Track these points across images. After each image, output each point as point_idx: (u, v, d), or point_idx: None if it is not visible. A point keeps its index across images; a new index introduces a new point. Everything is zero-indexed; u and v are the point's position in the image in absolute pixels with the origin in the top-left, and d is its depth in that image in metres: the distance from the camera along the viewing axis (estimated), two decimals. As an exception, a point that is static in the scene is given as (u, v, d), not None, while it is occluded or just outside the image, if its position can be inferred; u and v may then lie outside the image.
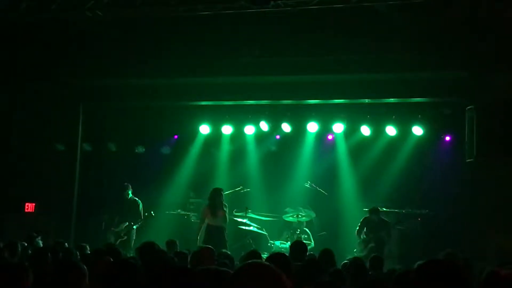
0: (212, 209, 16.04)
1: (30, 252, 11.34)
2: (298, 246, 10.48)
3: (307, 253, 10.70)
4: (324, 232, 17.84)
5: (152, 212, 17.08)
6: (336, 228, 18.11)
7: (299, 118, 18.66)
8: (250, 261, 4.11)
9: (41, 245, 13.21)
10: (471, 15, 14.68)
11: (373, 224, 16.25)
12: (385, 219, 16.58)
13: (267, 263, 4.05)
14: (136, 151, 19.59)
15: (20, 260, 10.93)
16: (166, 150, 19.53)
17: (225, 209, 16.09)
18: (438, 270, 4.59)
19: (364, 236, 16.17)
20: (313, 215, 17.70)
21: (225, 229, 16.12)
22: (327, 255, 10.36)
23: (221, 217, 15.98)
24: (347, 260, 11.17)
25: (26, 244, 12.36)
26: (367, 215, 16.44)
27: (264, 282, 3.91)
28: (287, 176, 19.14)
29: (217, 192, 16.26)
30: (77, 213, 18.55)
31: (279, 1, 13.60)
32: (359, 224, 16.44)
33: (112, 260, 8.03)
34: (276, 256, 7.38)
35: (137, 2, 14.46)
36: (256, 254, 9.36)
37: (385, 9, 14.62)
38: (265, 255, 11.63)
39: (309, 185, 18.17)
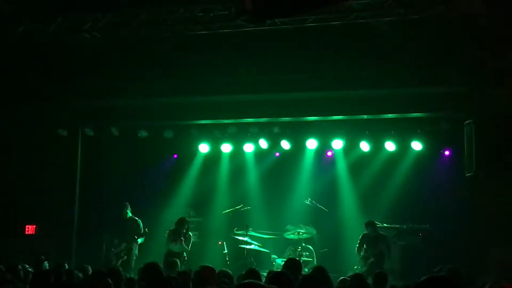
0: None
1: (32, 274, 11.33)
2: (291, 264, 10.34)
3: (308, 271, 10.64)
4: (326, 249, 17.80)
5: (146, 229, 17.08)
6: (337, 244, 18.09)
7: (298, 135, 18.67)
8: (243, 281, 4.12)
9: (48, 267, 13.24)
10: (469, 29, 14.71)
11: (371, 239, 16.23)
12: (382, 233, 16.55)
13: (259, 283, 4.04)
14: (137, 169, 19.60)
15: (23, 283, 10.97)
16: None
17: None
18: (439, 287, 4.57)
19: (364, 253, 16.16)
20: (314, 232, 17.65)
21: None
22: (320, 273, 10.26)
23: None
24: (347, 276, 11.14)
25: (27, 267, 12.36)
26: (365, 231, 16.42)
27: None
28: (287, 193, 19.14)
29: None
30: (77, 234, 18.53)
31: (276, 20, 13.63)
32: (358, 241, 16.45)
33: (111, 282, 8.00)
34: (277, 275, 7.32)
35: (134, 22, 14.53)
36: (254, 273, 9.31)
37: (383, 25, 14.66)
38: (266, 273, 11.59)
39: (310, 202, 18.12)
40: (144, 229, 17.05)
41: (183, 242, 16.42)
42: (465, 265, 12.61)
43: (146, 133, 18.91)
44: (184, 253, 16.44)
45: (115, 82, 17.51)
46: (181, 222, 16.74)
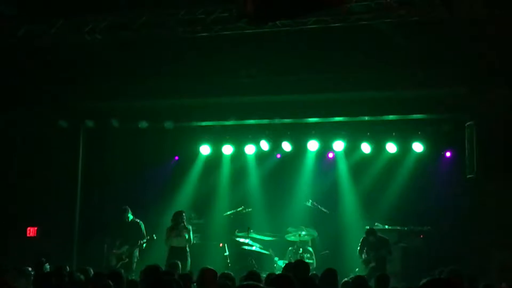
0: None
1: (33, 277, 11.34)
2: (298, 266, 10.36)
3: (309, 273, 10.62)
4: (327, 251, 17.77)
5: (154, 235, 17.03)
6: (338, 246, 18.05)
7: (299, 137, 18.66)
8: (243, 283, 4.12)
9: (49, 270, 13.23)
10: (470, 32, 14.70)
11: (372, 244, 16.15)
12: (384, 237, 16.50)
13: (258, 285, 4.04)
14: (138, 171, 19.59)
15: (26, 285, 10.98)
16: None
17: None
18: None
19: (366, 255, 16.11)
20: (315, 234, 17.64)
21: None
22: (329, 275, 10.26)
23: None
24: (349, 278, 11.12)
25: (30, 269, 12.36)
26: (365, 236, 16.36)
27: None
28: (288, 195, 19.12)
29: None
30: (79, 236, 18.53)
31: (277, 22, 13.62)
32: (359, 244, 16.38)
33: (112, 284, 8.00)
34: (279, 278, 7.29)
35: (135, 24, 14.52)
36: (254, 275, 9.31)
37: (384, 27, 14.64)
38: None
39: (311, 204, 18.12)
40: (152, 235, 17.00)
41: (184, 234, 16.43)
42: (466, 267, 12.61)
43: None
44: (187, 247, 16.48)
45: (116, 84, 17.51)
46: (178, 216, 16.73)
